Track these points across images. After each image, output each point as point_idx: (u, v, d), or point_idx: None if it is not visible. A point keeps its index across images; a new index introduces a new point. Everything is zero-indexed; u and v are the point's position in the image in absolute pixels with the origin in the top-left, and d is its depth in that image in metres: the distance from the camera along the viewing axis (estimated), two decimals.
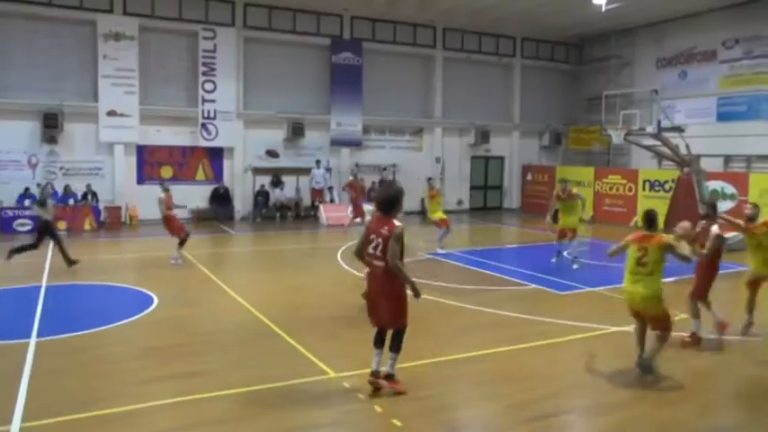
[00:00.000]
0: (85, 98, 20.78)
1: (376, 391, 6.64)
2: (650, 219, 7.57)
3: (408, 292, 6.60)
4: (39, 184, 19.86)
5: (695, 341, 8.63)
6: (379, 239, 6.51)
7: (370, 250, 6.59)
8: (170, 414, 6.12)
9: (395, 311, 6.58)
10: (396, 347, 6.65)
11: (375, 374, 6.68)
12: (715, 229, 8.76)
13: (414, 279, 6.68)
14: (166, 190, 14.70)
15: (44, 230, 13.47)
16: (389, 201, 6.67)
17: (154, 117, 21.67)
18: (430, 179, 20.10)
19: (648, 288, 7.28)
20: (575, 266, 13.85)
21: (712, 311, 8.83)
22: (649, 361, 7.27)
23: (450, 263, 14.66)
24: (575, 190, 14.94)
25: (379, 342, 6.77)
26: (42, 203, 13.68)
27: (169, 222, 14.44)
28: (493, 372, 7.51)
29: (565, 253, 14.29)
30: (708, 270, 8.88)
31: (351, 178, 21.80)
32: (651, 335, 7.45)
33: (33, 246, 13.49)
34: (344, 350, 8.09)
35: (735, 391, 7.04)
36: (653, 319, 7.35)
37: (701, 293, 8.85)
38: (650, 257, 7.30)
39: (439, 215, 16.26)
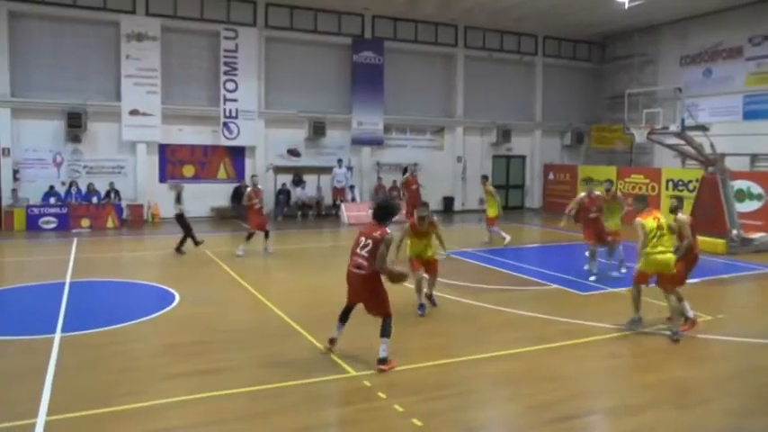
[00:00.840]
0: (108, 98, 21.03)
1: (329, 351, 7.72)
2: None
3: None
4: (63, 183, 20.21)
5: (691, 324, 8.92)
6: (369, 241, 7.39)
7: (358, 250, 7.48)
8: (190, 410, 6.16)
9: (378, 303, 7.45)
10: (386, 333, 7.34)
11: (332, 342, 7.79)
12: (682, 216, 9.21)
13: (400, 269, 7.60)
14: (255, 185, 15.72)
15: (182, 221, 15.54)
16: (384, 211, 7.64)
17: (176, 116, 21.87)
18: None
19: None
20: (623, 270, 12.96)
21: (684, 305, 8.99)
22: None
23: (471, 262, 14.59)
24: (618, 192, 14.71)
25: (344, 317, 7.80)
26: (178, 199, 15.64)
27: (250, 214, 15.48)
28: (514, 372, 7.46)
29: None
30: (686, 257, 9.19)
31: (407, 175, 22.09)
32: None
33: (188, 236, 15.46)
34: (364, 349, 8.06)
35: (757, 395, 6.91)
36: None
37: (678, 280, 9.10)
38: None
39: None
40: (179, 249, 15.32)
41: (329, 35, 23.99)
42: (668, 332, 8.73)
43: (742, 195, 18.92)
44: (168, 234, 18.86)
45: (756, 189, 19.02)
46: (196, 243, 15.66)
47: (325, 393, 6.63)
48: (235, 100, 22.40)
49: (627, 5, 21.55)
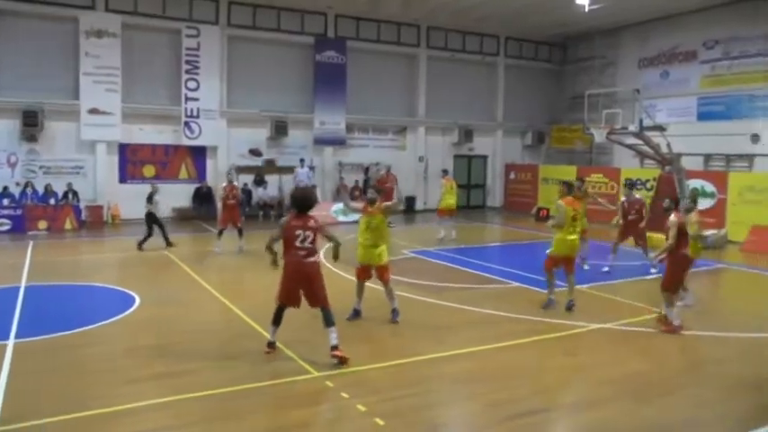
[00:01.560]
0: (67, 96, 20.59)
1: (268, 354, 7.74)
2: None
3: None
4: (18, 183, 19.73)
5: (671, 329, 9.01)
6: (308, 233, 7.50)
7: (298, 243, 7.50)
8: (153, 415, 6.09)
9: (321, 291, 7.65)
10: (332, 322, 7.54)
11: (270, 345, 7.85)
12: (672, 218, 9.19)
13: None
14: (230, 181, 16.46)
15: (151, 221, 15.90)
16: (305, 202, 7.73)
17: (137, 115, 21.52)
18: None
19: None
20: (585, 267, 13.54)
21: (672, 311, 9.08)
22: None
23: (433, 261, 14.68)
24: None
25: (277, 321, 7.81)
26: (150, 199, 15.93)
27: (223, 210, 16.24)
28: (476, 370, 7.55)
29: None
30: (672, 260, 9.17)
31: (382, 173, 22.11)
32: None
33: (149, 235, 15.81)
34: (327, 349, 8.07)
35: (712, 386, 7.11)
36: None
37: (667, 284, 9.17)
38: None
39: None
40: (168, 242, 15.98)
41: (292, 34, 23.87)
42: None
43: (696, 194, 19.33)
44: (129, 235, 18.56)
45: (710, 188, 19.53)
46: (168, 243, 16.00)
47: (289, 394, 6.62)
48: (196, 99, 22.15)
49: (587, 8, 21.89)
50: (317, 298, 7.62)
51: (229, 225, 15.88)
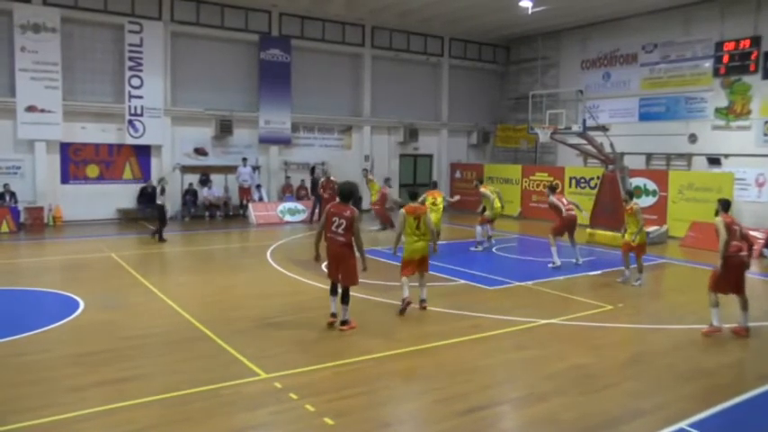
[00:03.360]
0: (1, 93, 19.82)
1: (330, 325, 8.96)
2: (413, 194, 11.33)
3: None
4: None
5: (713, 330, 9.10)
6: (343, 221, 8.75)
7: (334, 228, 8.79)
8: (100, 422, 5.94)
9: (349, 274, 8.88)
10: (346, 301, 8.93)
11: (333, 315, 9.06)
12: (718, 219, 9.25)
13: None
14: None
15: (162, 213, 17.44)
16: (348, 192, 9.07)
17: (78, 113, 20.90)
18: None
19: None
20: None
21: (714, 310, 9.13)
22: None
23: (380, 260, 14.73)
24: (482, 189, 17.09)
25: (334, 292, 9.14)
26: (163, 191, 17.53)
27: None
28: (423, 367, 7.63)
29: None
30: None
31: (322, 180, 21.53)
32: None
33: (164, 225, 17.53)
34: (275, 350, 8.06)
35: (653, 377, 7.36)
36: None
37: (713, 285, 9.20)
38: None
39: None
40: (161, 238, 17.17)
41: (236, 31, 23.58)
42: None
43: (639, 192, 19.98)
44: (72, 237, 18.10)
45: (651, 186, 20.16)
46: (161, 238, 17.15)
47: (237, 397, 6.56)
48: (140, 97, 21.66)
49: (530, 11, 22.32)
50: (345, 278, 8.89)
51: None
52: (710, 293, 9.09)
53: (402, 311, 9.87)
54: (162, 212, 17.43)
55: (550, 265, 13.85)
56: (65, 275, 13.22)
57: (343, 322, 8.85)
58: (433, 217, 15.44)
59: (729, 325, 9.07)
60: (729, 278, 8.96)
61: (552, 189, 14.88)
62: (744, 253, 9.08)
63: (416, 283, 10.33)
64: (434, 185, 17.35)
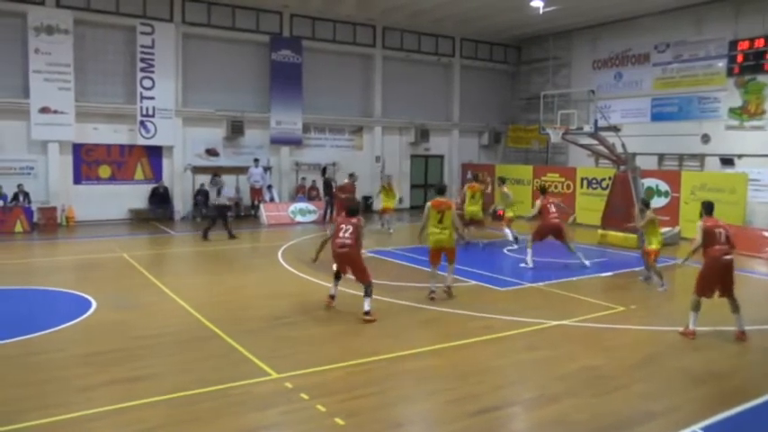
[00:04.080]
0: (15, 94, 19.97)
1: (331, 300, 10.26)
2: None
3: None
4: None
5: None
6: (350, 227, 9.84)
7: (341, 234, 9.82)
8: (111, 421, 5.97)
9: (361, 274, 9.82)
10: (368, 294, 9.68)
11: (331, 297, 10.28)
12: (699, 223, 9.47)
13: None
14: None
15: (220, 212, 18.05)
16: (356, 209, 10.39)
17: (91, 114, 21.03)
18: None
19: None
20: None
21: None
22: None
23: (390, 260, 14.73)
24: (505, 189, 17.39)
25: (337, 278, 10.26)
26: (219, 192, 18.00)
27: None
28: (435, 368, 7.60)
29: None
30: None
31: (346, 182, 21.72)
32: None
33: (215, 224, 17.94)
34: (286, 350, 8.07)
35: (664, 379, 7.31)
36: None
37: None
38: None
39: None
40: (205, 236, 17.71)
41: (247, 32, 23.65)
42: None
43: (651, 193, 19.86)
44: (84, 237, 18.21)
45: (664, 186, 20.03)
46: (205, 236, 17.57)
47: (248, 397, 6.57)
48: (152, 98, 21.77)
49: (541, 11, 22.24)
50: (357, 277, 9.88)
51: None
52: (693, 296, 9.06)
53: (430, 298, 10.82)
54: (222, 211, 17.99)
55: (522, 265, 13.89)
56: (77, 275, 13.29)
57: (366, 313, 9.55)
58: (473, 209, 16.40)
59: (733, 328, 8.97)
60: (713, 281, 8.93)
61: (543, 190, 15.24)
62: (728, 257, 8.95)
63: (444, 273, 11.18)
64: (475, 177, 18.24)
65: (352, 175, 21.73)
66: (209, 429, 5.84)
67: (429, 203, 11.16)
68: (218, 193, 18.07)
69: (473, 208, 16.70)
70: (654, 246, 11.97)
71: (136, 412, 6.13)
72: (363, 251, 10.29)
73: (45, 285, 11.79)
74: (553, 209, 14.09)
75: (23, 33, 19.82)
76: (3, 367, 7.37)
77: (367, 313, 9.51)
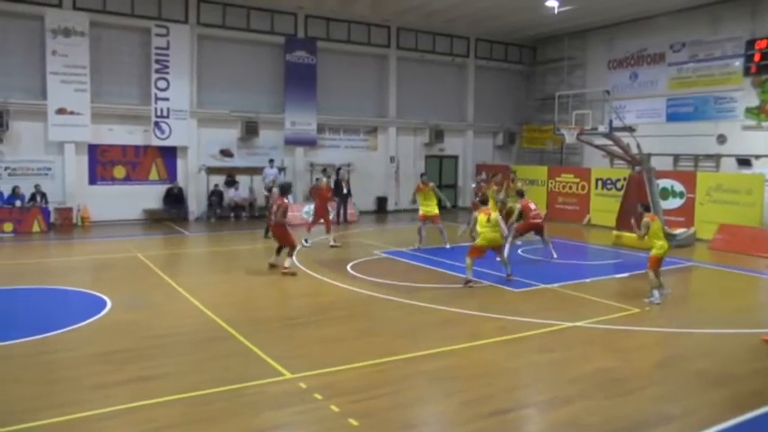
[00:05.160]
0: (33, 96, 20.19)
1: (272, 267, 13.29)
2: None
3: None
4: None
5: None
6: (278, 207, 12.95)
7: (274, 209, 13.07)
8: (125, 420, 6.00)
9: (283, 240, 13.18)
10: (289, 254, 13.09)
11: (272, 265, 13.39)
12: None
13: None
14: None
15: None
16: (286, 188, 14.06)
17: (106, 115, 21.19)
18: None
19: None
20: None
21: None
22: None
23: (405, 261, 14.71)
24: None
25: (278, 251, 13.48)
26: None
27: None
28: (449, 368, 7.58)
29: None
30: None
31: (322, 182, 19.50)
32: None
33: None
34: (300, 351, 8.07)
35: (680, 381, 7.24)
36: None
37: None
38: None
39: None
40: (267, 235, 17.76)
41: (262, 34, 23.74)
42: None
43: (666, 193, 19.73)
44: (100, 237, 18.35)
45: (679, 187, 19.87)
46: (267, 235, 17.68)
47: (261, 397, 6.58)
48: (166, 99, 21.90)
49: (556, 11, 22.15)
50: (281, 242, 13.28)
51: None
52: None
53: (467, 285, 11.90)
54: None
55: (498, 258, 13.76)
56: (92, 275, 13.40)
57: (286, 268, 12.70)
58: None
59: (761, 330, 8.88)
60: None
61: (521, 194, 16.01)
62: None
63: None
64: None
65: (325, 170, 20.47)
66: (222, 429, 5.86)
67: (475, 213, 12.79)
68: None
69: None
70: (654, 251, 11.03)
71: (149, 411, 6.16)
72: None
73: (61, 285, 11.89)
74: (533, 206, 15.23)
75: (41, 36, 20.02)
76: (19, 365, 7.44)
77: (286, 268, 12.69)
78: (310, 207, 22.71)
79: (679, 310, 10.89)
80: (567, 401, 6.61)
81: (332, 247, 16.56)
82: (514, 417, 6.33)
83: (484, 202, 13.09)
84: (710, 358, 8.11)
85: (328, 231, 17.15)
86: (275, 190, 14.90)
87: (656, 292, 10.91)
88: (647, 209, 11.76)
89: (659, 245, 11.03)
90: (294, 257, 13.43)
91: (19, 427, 5.72)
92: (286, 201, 13.42)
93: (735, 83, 21.62)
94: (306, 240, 16.64)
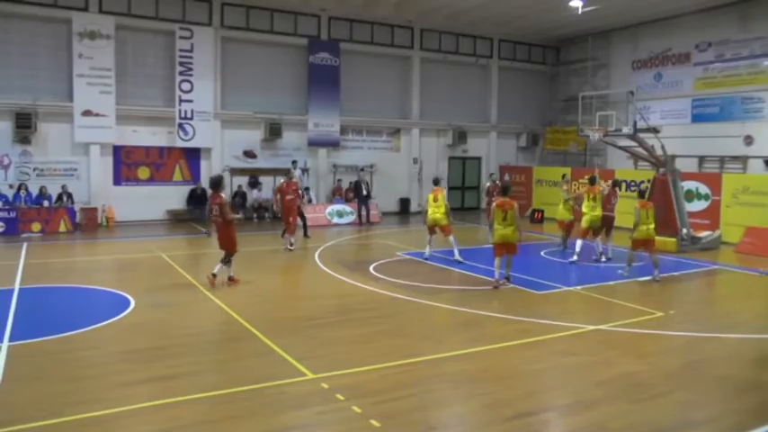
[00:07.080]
0: (60, 98, 20.52)
1: (212, 284, 11.69)
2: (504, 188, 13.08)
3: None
4: (11, 185, 19.63)
5: None
6: (215, 206, 11.76)
7: (215, 212, 11.80)
8: (147, 418, 6.05)
9: (223, 242, 11.95)
10: (225, 262, 11.95)
11: (214, 275, 11.80)
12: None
13: None
14: None
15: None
16: (215, 183, 12.07)
17: (131, 117, 21.46)
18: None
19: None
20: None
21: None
22: None
23: (427, 263, 14.68)
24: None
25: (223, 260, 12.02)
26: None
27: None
28: (471, 371, 7.54)
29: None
30: None
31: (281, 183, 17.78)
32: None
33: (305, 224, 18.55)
34: (322, 351, 8.09)
35: (706, 387, 7.14)
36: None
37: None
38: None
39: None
40: (305, 235, 18.25)
41: (285, 36, 23.87)
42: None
43: (691, 195, 19.47)
44: (124, 238, 18.56)
45: (704, 189, 19.59)
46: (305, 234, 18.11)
47: (283, 397, 6.60)
48: (190, 101, 22.12)
49: (580, 11, 21.98)
50: (222, 245, 12.01)
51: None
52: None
53: (495, 287, 11.89)
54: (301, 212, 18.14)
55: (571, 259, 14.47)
56: (116, 274, 13.57)
57: (213, 275, 11.75)
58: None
59: None
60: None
61: (616, 184, 16.55)
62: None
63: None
64: (437, 182, 16.08)
65: (289, 171, 18.61)
66: (244, 428, 5.89)
67: (494, 204, 12.24)
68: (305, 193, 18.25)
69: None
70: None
71: (172, 410, 6.21)
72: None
73: (86, 284, 12.05)
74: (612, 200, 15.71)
75: (68, 39, 20.36)
76: (44, 363, 7.55)
77: (214, 275, 11.70)
78: (333, 208, 22.89)
79: (704, 314, 10.75)
80: (590, 406, 6.55)
81: (286, 249, 16.23)
82: (536, 420, 6.28)
83: (505, 190, 12.90)
84: (736, 364, 7.98)
85: (289, 234, 16.51)
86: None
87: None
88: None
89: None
90: (230, 267, 12.10)
91: (44, 423, 5.79)
92: (223, 197, 11.94)
93: (763, 82, 21.29)
94: (291, 244, 16.34)
